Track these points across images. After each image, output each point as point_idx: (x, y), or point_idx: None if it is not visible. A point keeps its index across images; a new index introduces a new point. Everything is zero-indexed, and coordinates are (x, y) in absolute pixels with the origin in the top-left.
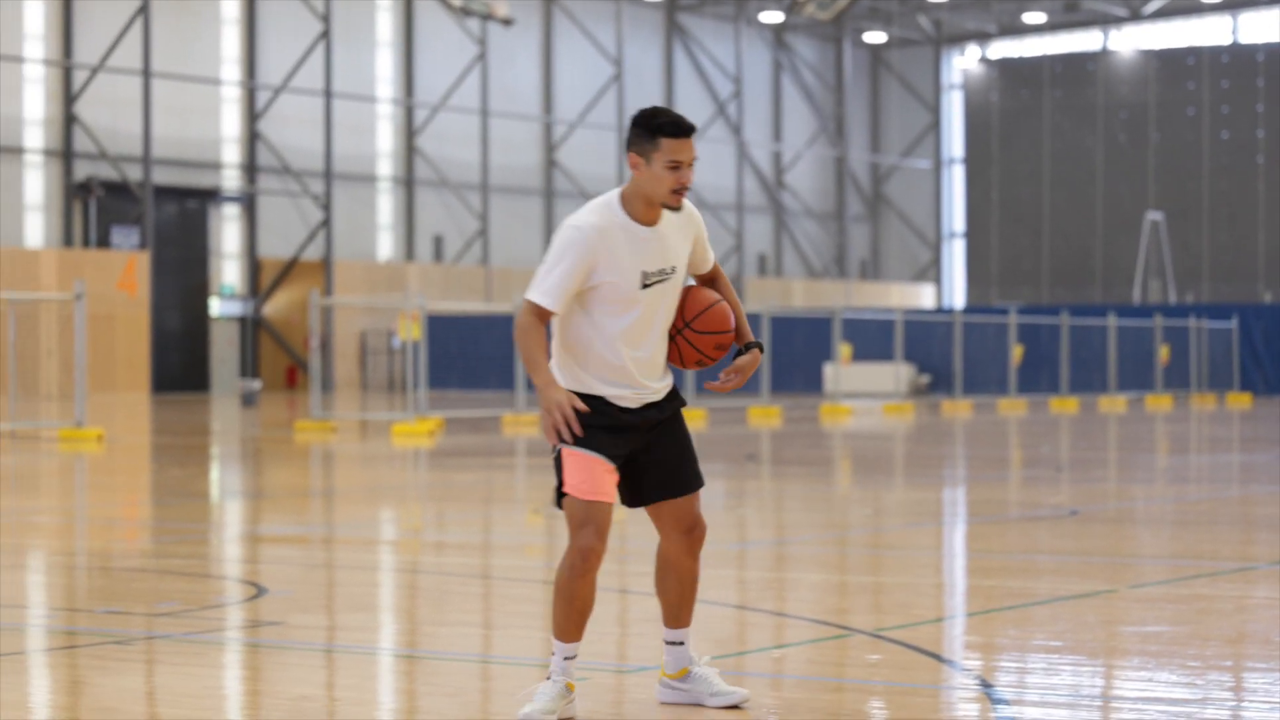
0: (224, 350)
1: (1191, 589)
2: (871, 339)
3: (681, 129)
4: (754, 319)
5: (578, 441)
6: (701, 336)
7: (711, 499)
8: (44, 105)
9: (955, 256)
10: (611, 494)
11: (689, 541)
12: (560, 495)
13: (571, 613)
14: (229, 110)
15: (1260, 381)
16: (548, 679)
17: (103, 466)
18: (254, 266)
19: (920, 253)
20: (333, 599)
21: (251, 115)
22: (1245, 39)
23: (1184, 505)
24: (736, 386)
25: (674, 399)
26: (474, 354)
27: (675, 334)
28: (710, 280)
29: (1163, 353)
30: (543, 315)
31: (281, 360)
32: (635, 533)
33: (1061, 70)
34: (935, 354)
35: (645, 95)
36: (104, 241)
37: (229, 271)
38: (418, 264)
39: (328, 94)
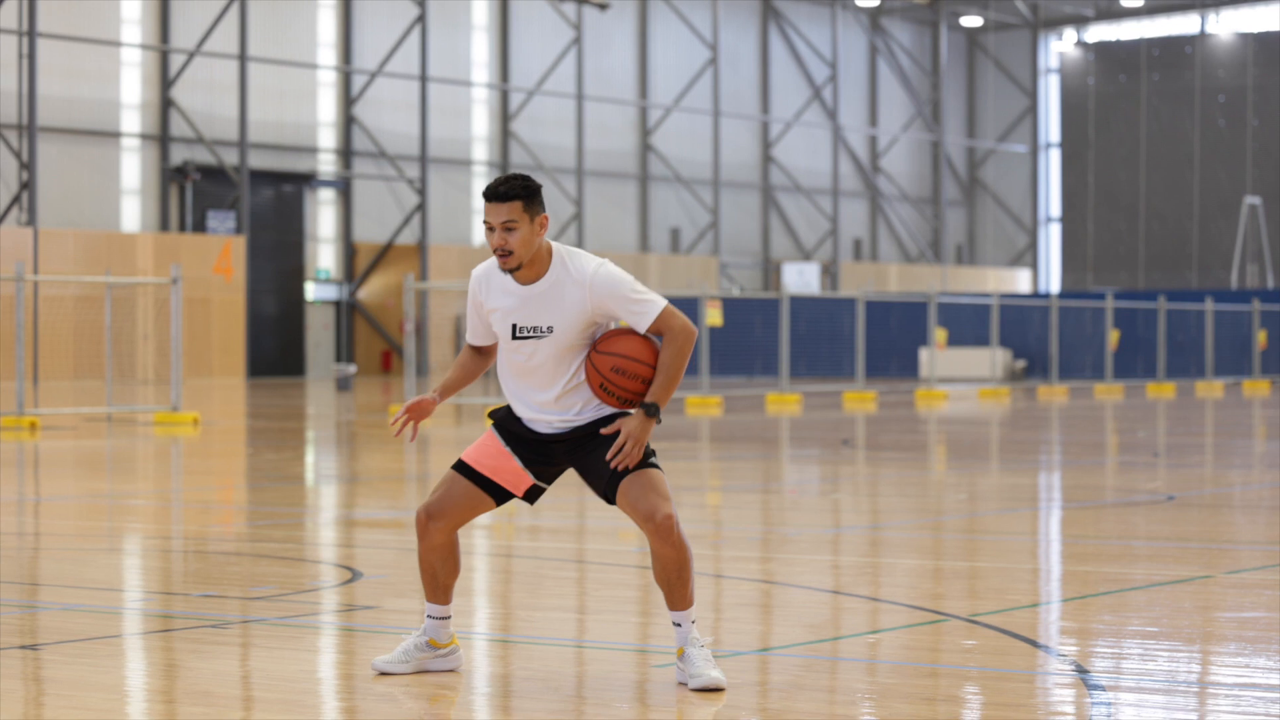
0: (319, 334)
1: None
2: (967, 324)
3: (493, 194)
4: (849, 303)
5: (501, 427)
6: (602, 357)
7: (806, 483)
8: (141, 90)
9: (1051, 241)
10: (489, 467)
11: (655, 529)
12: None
13: (425, 578)
14: (325, 94)
15: None
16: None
17: (198, 450)
18: (349, 251)
19: (1016, 237)
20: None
21: (347, 100)
22: None
23: None
24: (624, 459)
25: (608, 420)
26: None
27: (587, 355)
28: (658, 334)
29: (1260, 337)
30: (470, 347)
31: (376, 344)
32: (729, 517)
33: (1159, 54)
34: (1031, 339)
35: (741, 80)
36: (200, 226)
37: (324, 256)
38: None
39: (423, 78)
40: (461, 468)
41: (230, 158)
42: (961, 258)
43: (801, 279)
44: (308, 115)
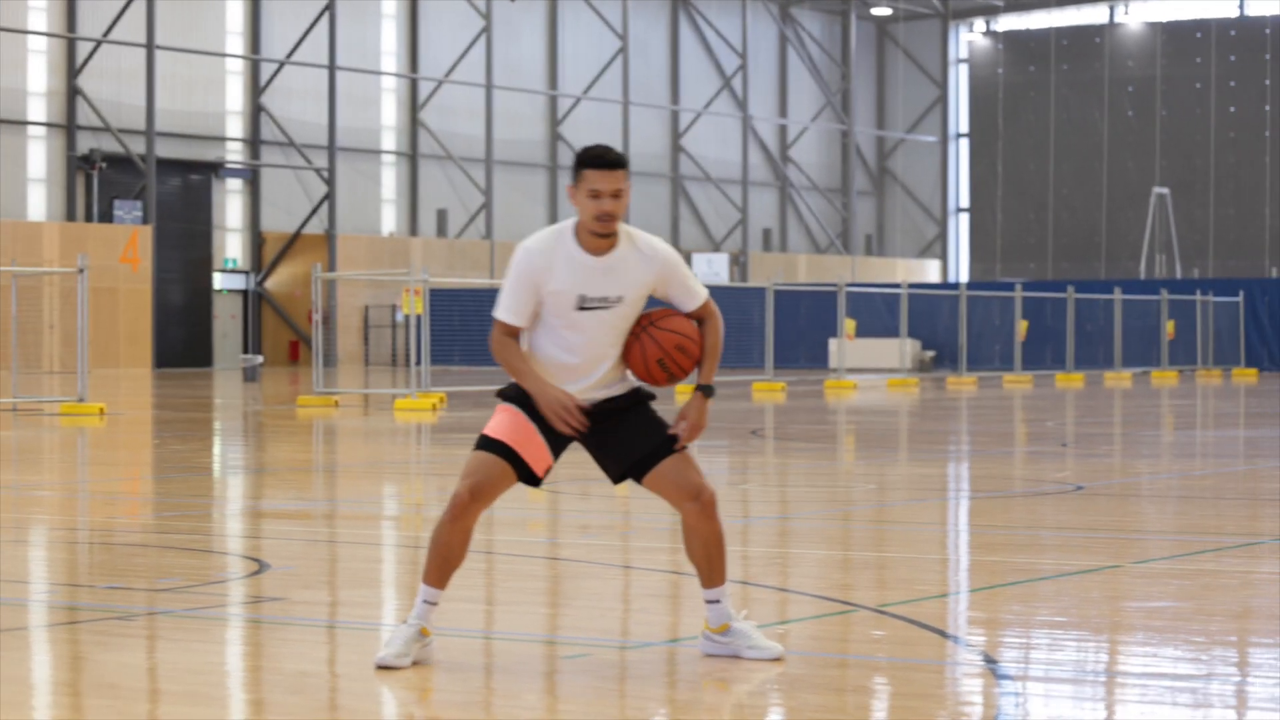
0: (226, 325)
1: (1196, 564)
2: (876, 314)
3: (604, 161)
4: (758, 294)
5: (523, 404)
6: (665, 334)
7: (716, 474)
8: (47, 78)
9: (960, 231)
10: (526, 452)
11: (699, 507)
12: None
13: (437, 559)
14: (233, 83)
15: (1266, 356)
16: (404, 623)
17: (105, 441)
18: (257, 240)
19: (925, 227)
20: (335, 575)
21: (255, 89)
22: (1253, 12)
23: (1189, 481)
24: (690, 439)
25: (635, 394)
26: (477, 329)
27: (640, 331)
28: (699, 319)
29: (1168, 328)
30: (510, 330)
31: (284, 334)
32: (639, 508)
33: (1068, 44)
34: (940, 329)
35: (651, 69)
36: (106, 215)
37: (232, 245)
38: (421, 238)
39: (331, 67)
40: (492, 445)
41: (137, 146)
42: (871, 248)
43: (710, 269)
44: (215, 104)
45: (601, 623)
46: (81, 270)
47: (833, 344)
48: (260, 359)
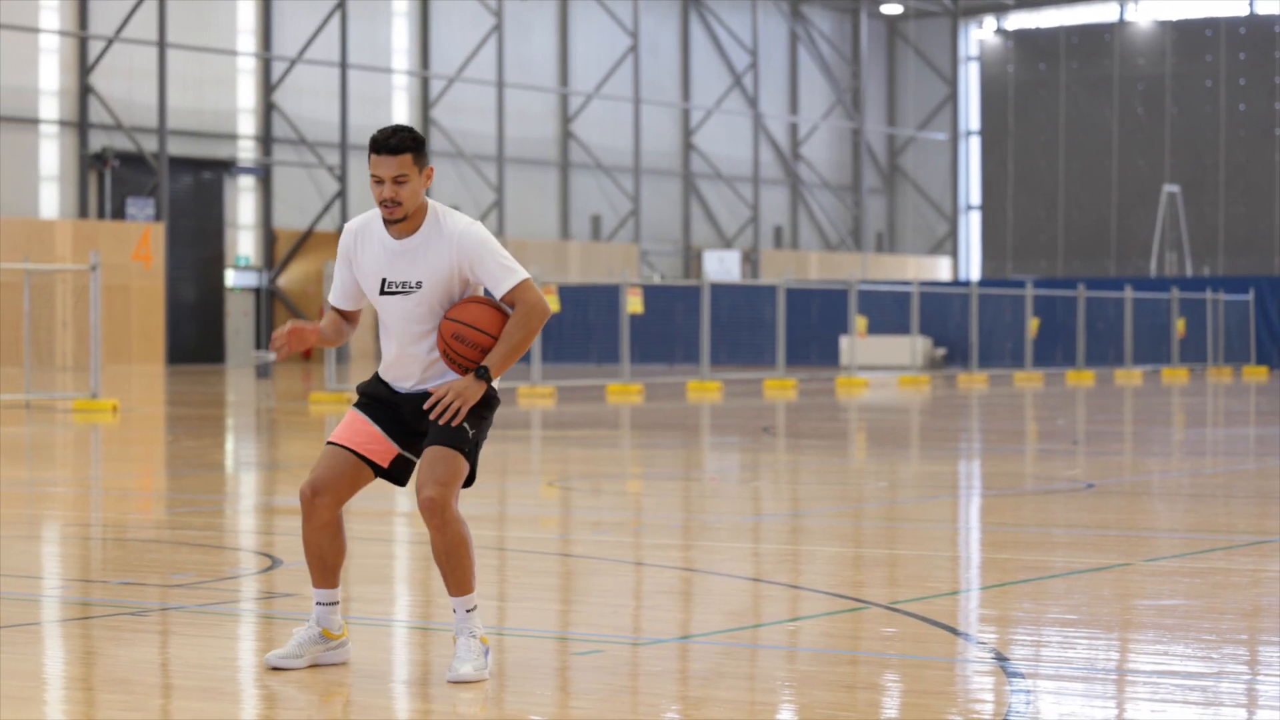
0: (239, 321)
1: (1207, 563)
2: (887, 312)
3: (384, 146)
4: (770, 291)
5: (364, 404)
6: (447, 321)
7: (727, 471)
8: (59, 76)
9: (971, 229)
10: (349, 438)
11: (419, 505)
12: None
13: (312, 560)
14: (244, 81)
15: (1276, 354)
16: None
17: (117, 438)
18: (269, 238)
19: (936, 225)
20: (346, 571)
21: (267, 86)
22: (1263, 10)
23: (1200, 479)
24: (442, 412)
25: None
26: None
27: (441, 319)
28: (511, 304)
29: (1179, 326)
30: (333, 309)
31: None
32: (652, 505)
33: (1078, 42)
34: (951, 327)
35: (662, 67)
36: (119, 213)
37: (244, 243)
38: None
39: (343, 65)
40: (328, 444)
41: (149, 145)
42: (882, 245)
43: (722, 266)
44: (227, 102)
45: (614, 619)
46: (94, 268)
47: (844, 341)
48: (273, 356)
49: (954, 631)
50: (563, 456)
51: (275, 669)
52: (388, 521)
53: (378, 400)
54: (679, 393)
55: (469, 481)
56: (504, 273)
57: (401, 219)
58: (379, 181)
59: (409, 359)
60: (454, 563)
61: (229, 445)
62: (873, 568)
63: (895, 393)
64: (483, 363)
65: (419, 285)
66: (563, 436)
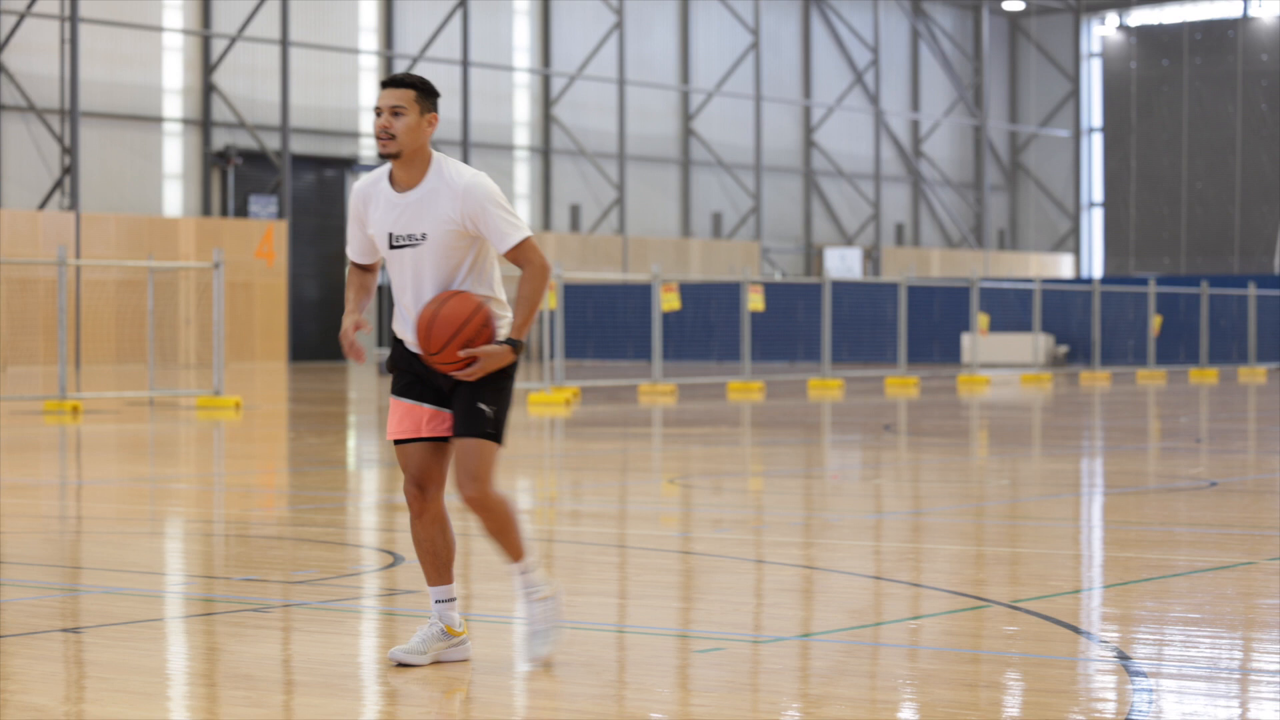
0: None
1: None
2: (1009, 309)
3: (389, 80)
4: (891, 289)
5: (395, 376)
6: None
7: (848, 469)
8: (182, 75)
9: (1094, 226)
10: (410, 429)
11: (462, 502)
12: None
13: (425, 557)
14: (366, 79)
15: None
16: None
17: (240, 434)
18: None
19: (1058, 222)
20: (468, 568)
21: None
22: None
23: None
24: (463, 365)
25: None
26: (610, 323)
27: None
28: (516, 263)
29: None
30: (355, 265)
31: None
32: (773, 503)
33: (1201, 38)
34: (1073, 324)
35: (783, 64)
36: (242, 210)
37: None
38: (554, 233)
39: (465, 63)
40: (402, 442)
41: (272, 142)
42: (1004, 243)
43: (843, 264)
44: (349, 100)
45: (734, 617)
46: (217, 265)
47: (966, 339)
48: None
49: (1076, 630)
50: (684, 454)
51: (401, 665)
52: None
53: (407, 375)
54: (800, 390)
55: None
56: (510, 228)
57: (396, 154)
58: (378, 114)
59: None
60: (504, 538)
61: (351, 442)
62: (994, 566)
63: (1017, 390)
64: (510, 335)
65: (424, 237)
66: (684, 434)
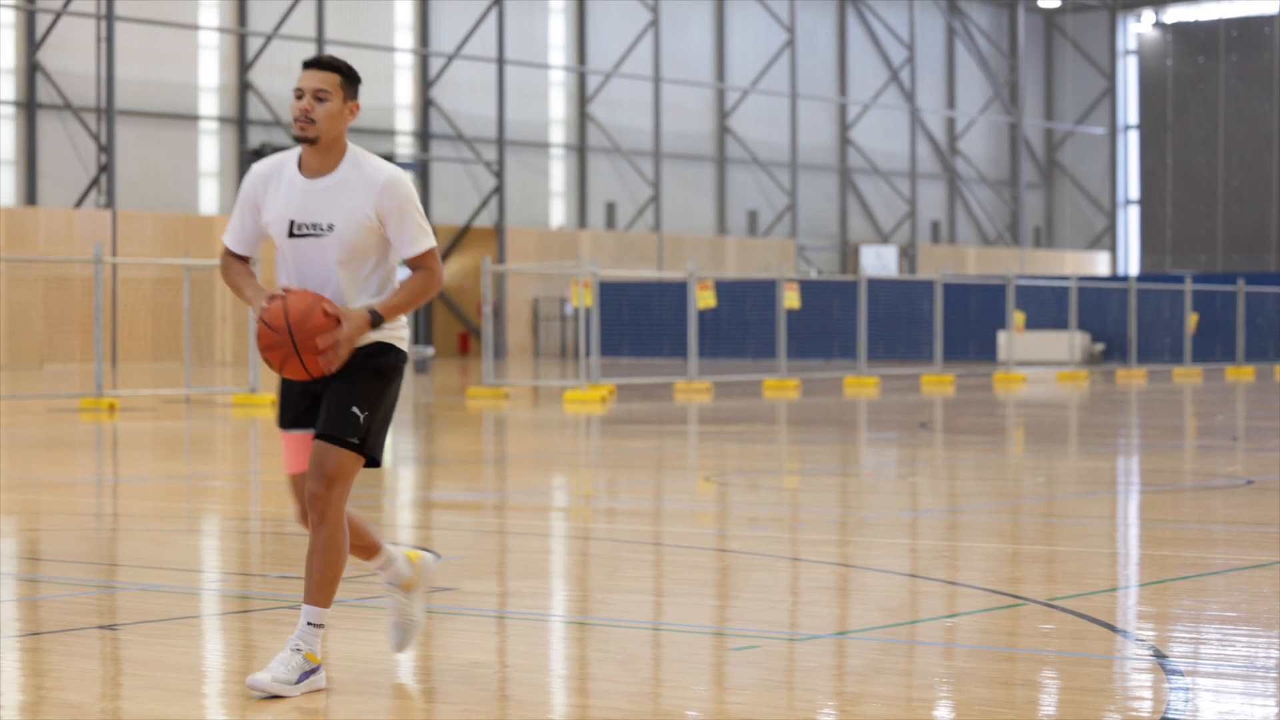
0: None
1: None
2: (1045, 307)
3: (314, 62)
4: (927, 286)
5: (279, 421)
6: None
7: (884, 467)
8: (218, 73)
9: (1130, 223)
10: (294, 464)
11: (308, 500)
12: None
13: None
14: (402, 77)
15: None
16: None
17: (276, 432)
18: None
19: (1095, 220)
20: (504, 565)
21: (424, 82)
22: None
23: None
24: (329, 354)
25: (375, 350)
26: (646, 321)
27: None
28: (415, 269)
29: None
30: (233, 255)
31: (454, 327)
32: (808, 501)
33: (1237, 35)
34: (1110, 322)
35: (818, 62)
36: None
37: None
38: (590, 231)
39: (500, 61)
40: (296, 475)
41: None
42: (1040, 240)
43: (879, 261)
44: (385, 98)
45: (770, 615)
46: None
47: (1002, 336)
48: (431, 351)
49: (1112, 628)
50: (719, 452)
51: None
52: (543, 517)
53: (299, 404)
54: (836, 388)
55: (373, 463)
56: (421, 234)
57: (314, 139)
58: (299, 96)
59: None
60: (321, 566)
61: (387, 440)
62: (1030, 564)
63: (1053, 388)
64: (376, 306)
65: (330, 228)
66: (719, 432)
